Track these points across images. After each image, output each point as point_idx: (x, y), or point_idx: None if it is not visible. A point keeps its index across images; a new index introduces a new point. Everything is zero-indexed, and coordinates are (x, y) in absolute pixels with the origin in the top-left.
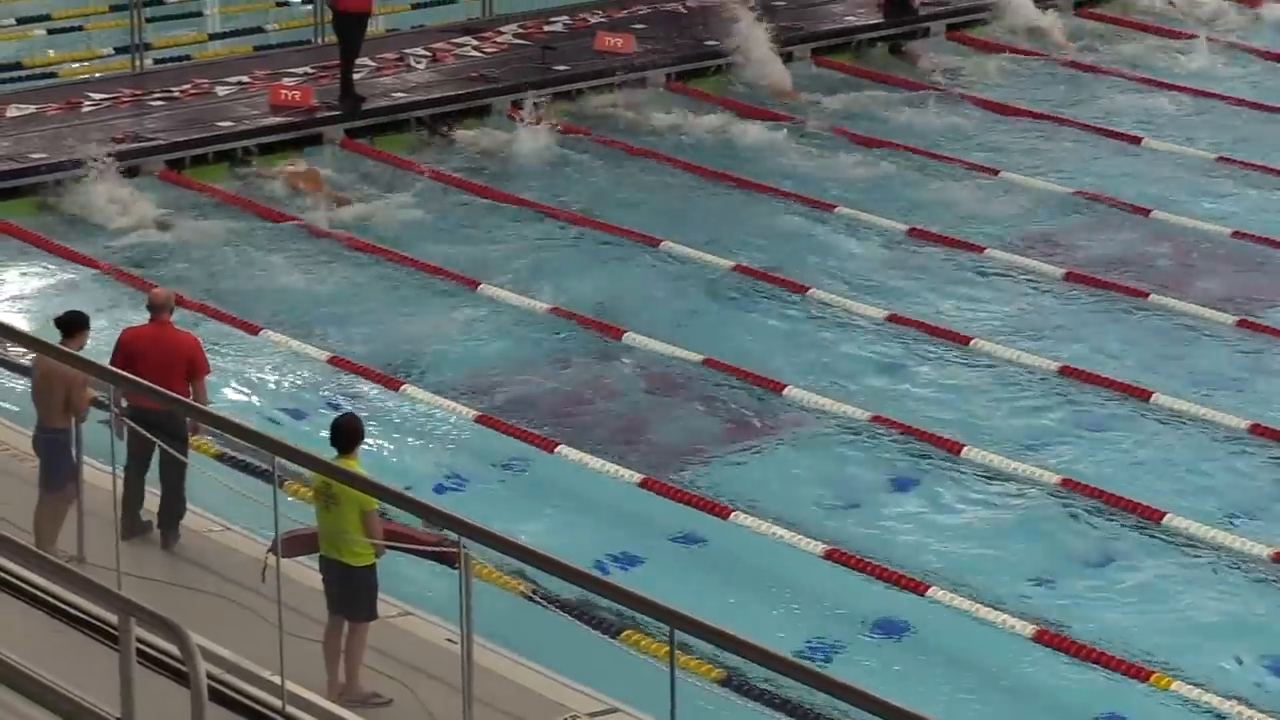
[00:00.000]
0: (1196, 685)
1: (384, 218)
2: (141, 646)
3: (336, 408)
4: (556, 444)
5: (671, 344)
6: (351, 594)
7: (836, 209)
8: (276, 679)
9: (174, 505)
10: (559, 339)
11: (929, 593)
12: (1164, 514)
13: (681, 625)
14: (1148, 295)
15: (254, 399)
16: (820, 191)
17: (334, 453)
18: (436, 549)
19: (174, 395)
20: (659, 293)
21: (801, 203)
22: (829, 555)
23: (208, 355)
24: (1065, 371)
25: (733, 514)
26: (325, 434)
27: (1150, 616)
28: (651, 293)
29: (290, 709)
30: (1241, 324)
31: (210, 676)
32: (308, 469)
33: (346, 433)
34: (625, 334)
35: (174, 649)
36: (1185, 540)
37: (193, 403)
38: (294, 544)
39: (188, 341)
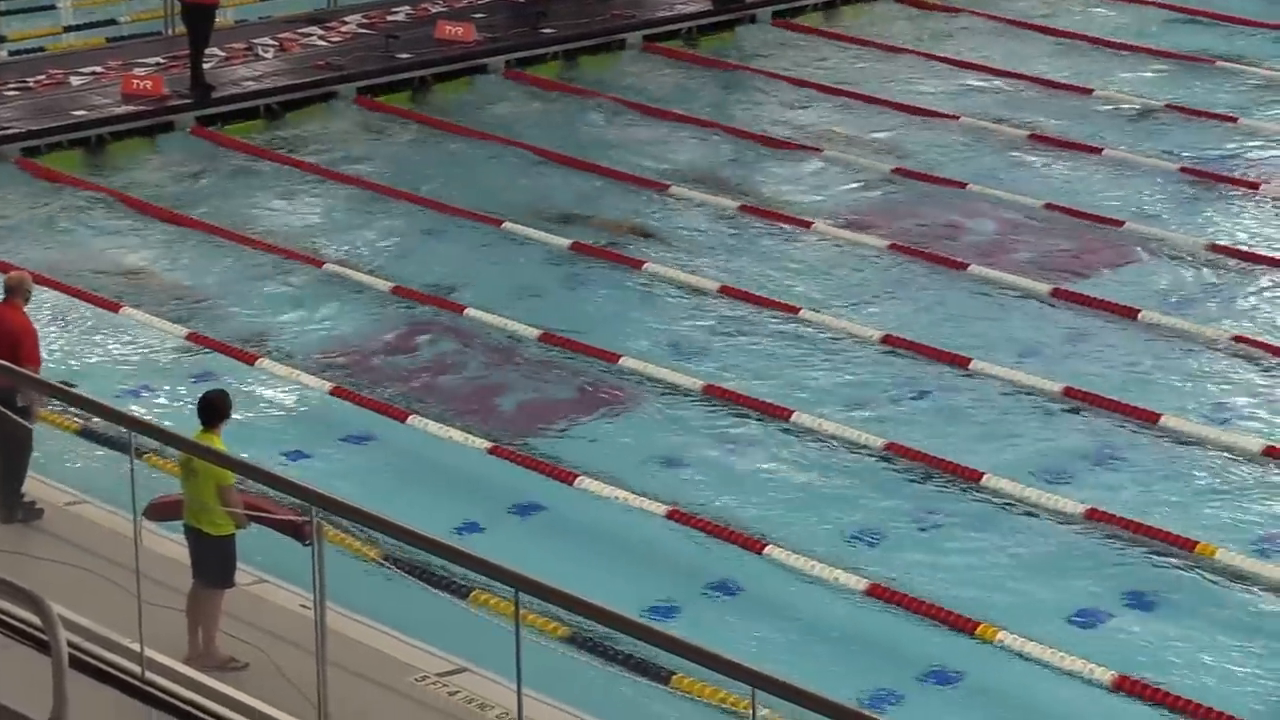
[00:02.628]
0: (1020, 635)
1: (235, 199)
2: (3, 617)
3: (195, 382)
4: (408, 414)
5: (511, 319)
6: (210, 562)
7: (670, 188)
8: (136, 646)
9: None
10: (405, 315)
11: (766, 551)
12: (982, 474)
13: (526, 587)
14: (967, 266)
15: (115, 375)
16: (656, 172)
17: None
18: (291, 520)
19: (22, 371)
20: (499, 270)
21: (636, 183)
22: (670, 516)
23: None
24: (888, 340)
25: (577, 479)
26: (190, 408)
27: (974, 571)
28: (492, 270)
29: (150, 675)
30: (1055, 293)
31: (71, 645)
32: (163, 443)
33: (210, 408)
34: (466, 310)
35: (35, 619)
36: (1003, 499)
37: (55, 383)
38: (163, 510)
39: (20, 328)
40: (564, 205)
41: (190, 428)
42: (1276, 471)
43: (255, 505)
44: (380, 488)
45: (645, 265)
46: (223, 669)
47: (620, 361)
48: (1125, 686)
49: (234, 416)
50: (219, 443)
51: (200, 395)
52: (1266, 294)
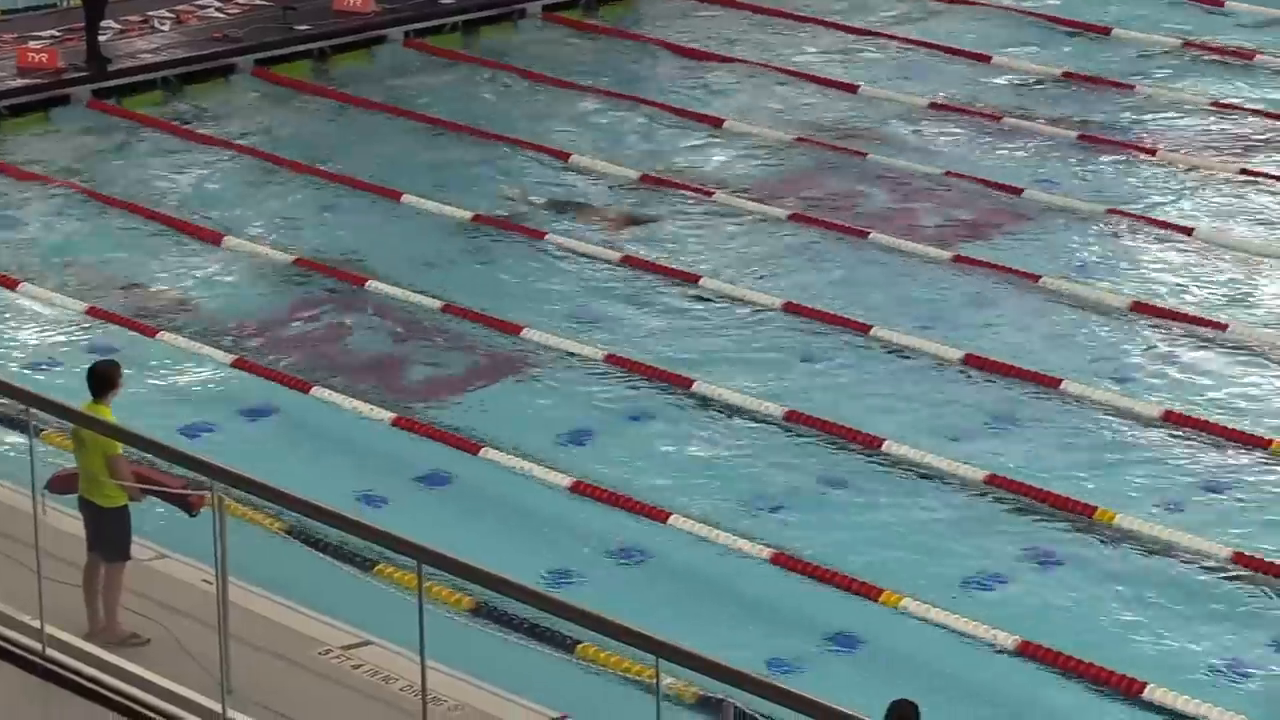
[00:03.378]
0: (922, 600)
1: (133, 172)
2: None
3: (95, 356)
4: (310, 385)
5: (414, 290)
6: (104, 534)
7: (572, 157)
8: (36, 623)
9: None
10: (306, 287)
11: (670, 520)
12: (883, 440)
13: (428, 559)
14: (868, 234)
15: (15, 350)
16: (557, 142)
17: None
18: (180, 492)
19: None
20: (401, 241)
21: (537, 152)
22: (574, 488)
23: None
24: (789, 308)
25: (481, 450)
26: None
27: (876, 537)
28: (393, 242)
29: (50, 652)
30: (956, 259)
31: None
32: (53, 415)
33: (98, 378)
34: (369, 281)
35: None
36: (905, 465)
37: None
38: (64, 483)
39: None
40: (465, 176)
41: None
42: (1176, 436)
43: (145, 476)
44: (283, 460)
45: (547, 235)
46: (124, 645)
47: (523, 333)
48: (1027, 650)
49: (136, 390)
50: (108, 413)
51: (89, 366)
52: (1164, 259)
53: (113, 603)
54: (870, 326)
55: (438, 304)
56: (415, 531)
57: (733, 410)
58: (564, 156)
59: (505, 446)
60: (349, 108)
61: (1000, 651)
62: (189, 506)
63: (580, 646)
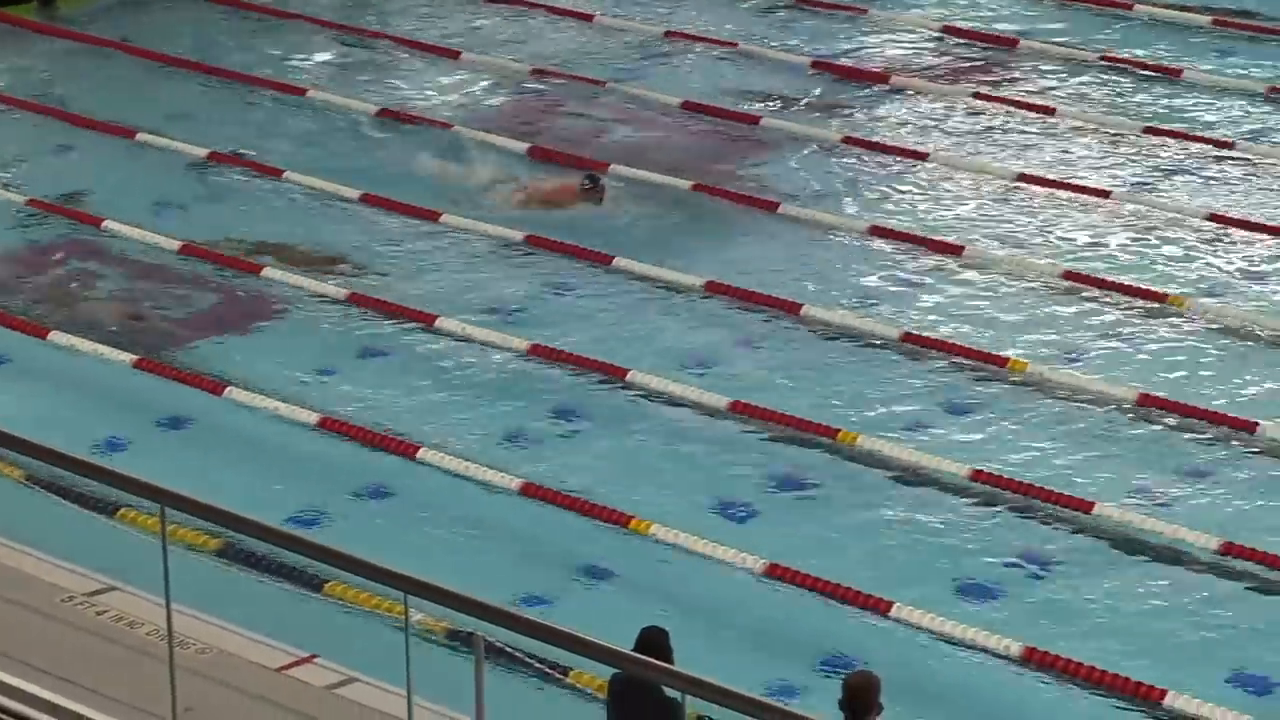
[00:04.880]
0: (670, 527)
1: None
2: None
3: None
4: (48, 330)
5: (151, 231)
6: None
7: (308, 92)
8: None
9: None
10: (40, 229)
11: (419, 454)
12: (627, 370)
13: (170, 502)
14: (608, 166)
15: None
16: (292, 76)
17: None
18: None
19: None
20: (135, 181)
21: (272, 88)
22: (321, 424)
23: None
24: (530, 240)
25: (226, 390)
26: None
27: (623, 467)
28: (128, 181)
29: None
30: (696, 188)
31: None
32: None
33: None
34: (105, 222)
35: None
36: (648, 394)
37: None
38: None
39: None
40: (200, 114)
41: None
42: (915, 356)
43: None
44: (21, 407)
45: (285, 174)
46: None
47: (263, 272)
48: (775, 572)
49: None
50: None
51: None
52: (898, 184)
53: None
54: (611, 257)
55: (176, 244)
56: (160, 475)
57: (476, 344)
58: (299, 91)
59: (250, 385)
60: (78, 45)
61: (749, 573)
62: None
63: (329, 585)
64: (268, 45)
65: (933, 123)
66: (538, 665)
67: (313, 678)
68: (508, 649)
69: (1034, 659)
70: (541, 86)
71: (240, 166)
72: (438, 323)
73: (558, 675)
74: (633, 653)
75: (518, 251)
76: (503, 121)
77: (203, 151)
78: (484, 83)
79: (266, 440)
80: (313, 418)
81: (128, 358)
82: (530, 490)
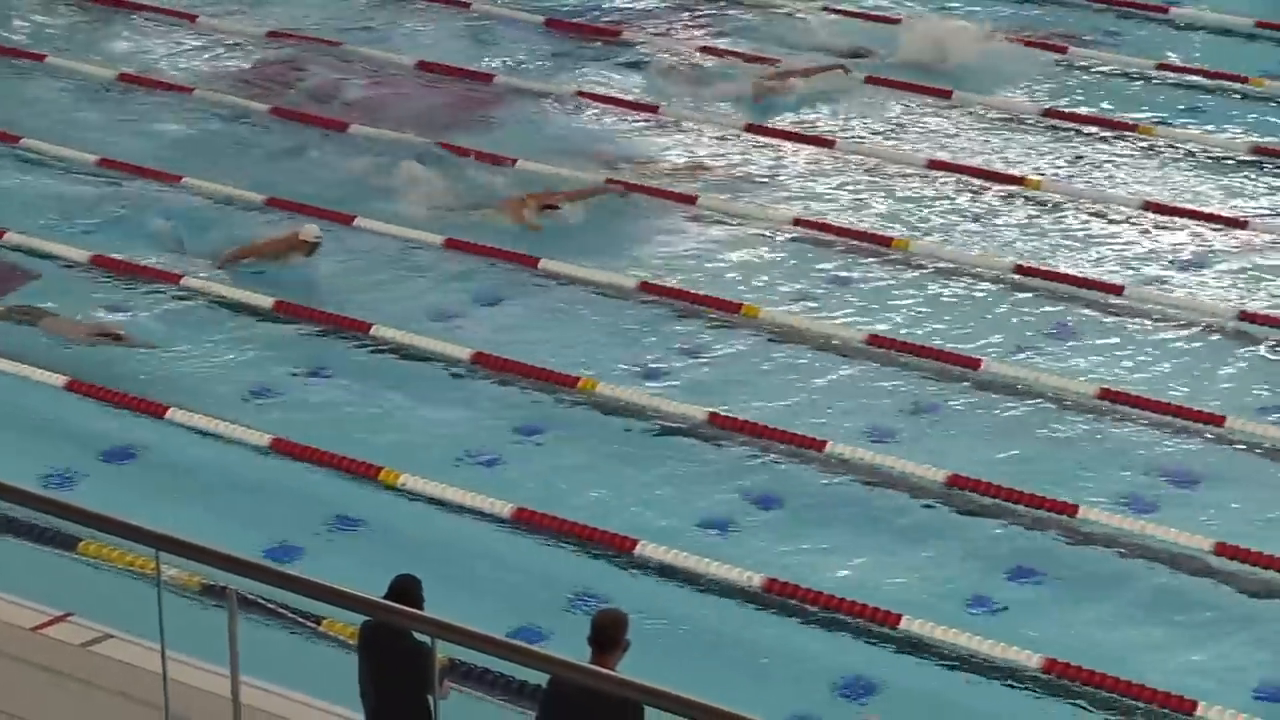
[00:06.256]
0: (418, 476)
1: None
2: None
3: None
4: None
5: None
6: None
7: (47, 59)
8: None
9: None
10: None
11: (168, 415)
12: (371, 325)
13: None
14: (347, 126)
15: None
16: (34, 44)
17: None
18: None
19: None
20: None
21: (10, 55)
22: (69, 387)
23: None
24: (271, 203)
25: None
26: None
27: (368, 418)
28: None
29: None
30: (443, 145)
31: None
32: None
33: None
34: None
35: None
36: (392, 346)
37: None
38: None
39: None
40: None
41: None
42: (649, 301)
43: None
44: None
45: (22, 140)
46: None
47: (5, 237)
48: (522, 516)
49: None
50: None
51: None
52: (636, 135)
53: None
54: (354, 216)
55: None
56: None
57: (224, 303)
58: (40, 58)
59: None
60: None
61: (498, 520)
62: None
63: (82, 544)
64: None
65: (655, 75)
66: (290, 615)
67: (68, 636)
68: (260, 600)
69: (773, 589)
70: (275, 49)
71: None
72: (184, 280)
73: (310, 625)
74: (383, 600)
75: (253, 210)
76: (240, 84)
77: None
78: (220, 45)
79: (12, 401)
80: (59, 380)
81: None
82: (279, 445)
